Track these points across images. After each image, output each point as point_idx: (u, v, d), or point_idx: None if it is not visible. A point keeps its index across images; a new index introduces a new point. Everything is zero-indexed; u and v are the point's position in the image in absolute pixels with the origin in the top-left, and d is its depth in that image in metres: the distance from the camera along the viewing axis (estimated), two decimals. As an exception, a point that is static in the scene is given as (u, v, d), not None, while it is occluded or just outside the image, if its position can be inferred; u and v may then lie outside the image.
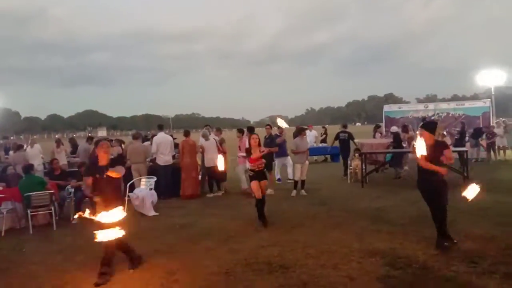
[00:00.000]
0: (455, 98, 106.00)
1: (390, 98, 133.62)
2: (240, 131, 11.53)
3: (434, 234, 6.27)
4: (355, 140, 13.69)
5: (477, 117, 16.86)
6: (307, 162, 10.48)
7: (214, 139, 11.14)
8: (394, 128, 13.38)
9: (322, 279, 4.75)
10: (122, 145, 11.71)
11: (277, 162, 11.65)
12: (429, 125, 6.05)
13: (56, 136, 20.01)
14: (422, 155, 5.46)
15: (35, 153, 12.36)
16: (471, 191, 5.87)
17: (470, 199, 5.82)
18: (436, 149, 5.56)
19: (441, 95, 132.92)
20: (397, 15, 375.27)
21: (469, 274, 4.67)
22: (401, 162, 12.59)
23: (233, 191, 11.01)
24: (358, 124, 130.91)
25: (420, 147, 5.41)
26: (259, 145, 7.86)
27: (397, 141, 12.41)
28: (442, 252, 5.46)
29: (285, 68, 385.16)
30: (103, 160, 5.36)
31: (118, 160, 5.76)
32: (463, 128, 15.43)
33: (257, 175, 7.62)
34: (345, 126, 14.05)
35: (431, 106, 19.19)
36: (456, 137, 15.35)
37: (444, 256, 5.33)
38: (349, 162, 12.65)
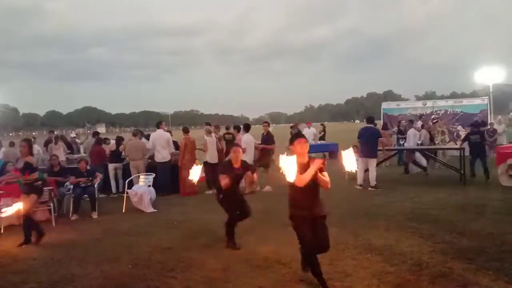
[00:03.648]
0: (453, 95, 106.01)
1: (389, 95, 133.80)
2: (237, 128, 11.58)
3: (430, 230, 6.36)
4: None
5: (475, 115, 16.92)
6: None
7: (215, 136, 11.21)
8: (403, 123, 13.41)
9: (318, 275, 4.79)
10: (122, 142, 11.78)
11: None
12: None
13: (55, 132, 20.03)
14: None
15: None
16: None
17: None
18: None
19: (439, 92, 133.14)
20: (397, 10, 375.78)
21: (463, 270, 4.73)
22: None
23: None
24: (357, 121, 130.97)
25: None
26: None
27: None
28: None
29: (285, 64, 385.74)
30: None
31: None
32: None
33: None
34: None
35: (429, 103, 19.25)
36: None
37: (439, 252, 5.38)
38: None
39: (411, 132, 13.39)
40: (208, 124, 11.99)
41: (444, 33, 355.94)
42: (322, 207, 4.56)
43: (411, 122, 14.65)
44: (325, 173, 4.37)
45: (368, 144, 10.54)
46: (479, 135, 11.69)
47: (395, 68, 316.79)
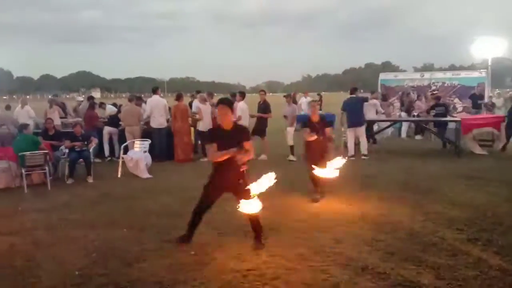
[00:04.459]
0: (452, 67, 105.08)
1: (387, 66, 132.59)
2: (233, 95, 11.51)
3: (421, 201, 6.45)
4: None
5: (472, 88, 16.84)
6: (290, 128, 10.56)
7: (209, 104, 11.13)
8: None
9: (311, 241, 4.88)
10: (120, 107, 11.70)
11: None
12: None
13: (49, 96, 19.81)
14: None
15: (23, 115, 12.23)
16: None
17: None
18: None
19: (438, 64, 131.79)
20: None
21: (454, 240, 4.82)
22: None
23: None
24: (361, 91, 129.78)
25: None
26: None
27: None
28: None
29: (283, 31, 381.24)
30: None
31: None
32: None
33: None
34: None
35: (426, 75, 19.09)
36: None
37: (430, 222, 5.47)
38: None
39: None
40: (199, 91, 12.06)
41: (445, 4, 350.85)
42: None
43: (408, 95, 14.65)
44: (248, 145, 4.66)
45: (353, 113, 10.70)
46: (444, 108, 12.21)
47: (394, 39, 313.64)
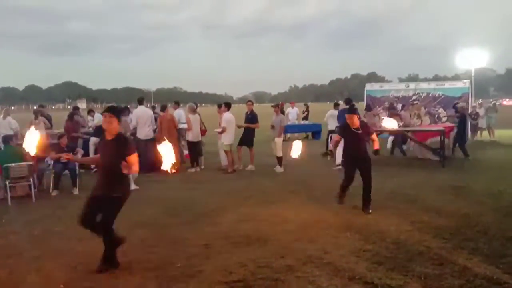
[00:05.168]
0: (436, 78, 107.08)
1: (373, 77, 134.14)
2: (219, 106, 11.55)
3: (408, 210, 6.50)
4: None
5: (456, 98, 17.10)
6: (278, 138, 10.55)
7: (199, 114, 11.15)
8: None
9: (298, 252, 4.87)
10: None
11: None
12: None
13: (34, 107, 19.58)
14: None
15: (5, 126, 12.08)
16: (295, 149, 6.89)
17: (295, 157, 6.94)
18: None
19: (423, 74, 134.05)
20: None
21: (440, 249, 4.85)
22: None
23: (212, 167, 11.05)
24: (340, 102, 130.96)
25: None
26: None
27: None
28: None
29: (270, 42, 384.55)
30: None
31: None
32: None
33: None
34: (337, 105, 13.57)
35: (411, 85, 19.36)
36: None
37: (417, 231, 5.51)
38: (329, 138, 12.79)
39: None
40: (177, 103, 12.53)
41: (429, 16, 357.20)
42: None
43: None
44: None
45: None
46: None
47: (380, 49, 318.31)
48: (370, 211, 6.48)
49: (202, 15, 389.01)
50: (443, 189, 8.04)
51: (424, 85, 19.33)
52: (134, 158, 4.43)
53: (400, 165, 11.15)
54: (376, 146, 6.98)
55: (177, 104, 12.82)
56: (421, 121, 13.65)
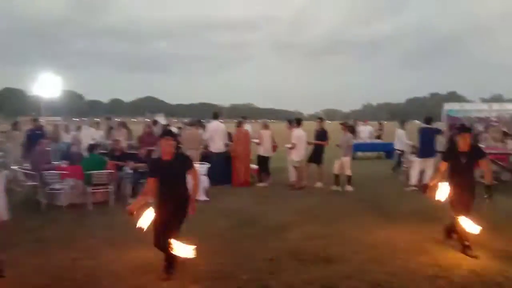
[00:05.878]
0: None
1: (453, 97, 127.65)
2: (290, 122, 11.60)
3: (490, 239, 6.05)
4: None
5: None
6: (346, 158, 10.36)
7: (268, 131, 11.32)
8: None
9: (366, 274, 4.73)
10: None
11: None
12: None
13: (117, 119, 20.88)
14: None
15: (86, 135, 13.18)
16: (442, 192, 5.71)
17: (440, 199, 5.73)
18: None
19: (508, 95, 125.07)
20: (465, 6, 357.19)
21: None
22: None
23: (280, 182, 11.04)
24: (417, 121, 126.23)
25: None
26: None
27: None
28: None
29: (344, 60, 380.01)
30: None
31: None
32: None
33: None
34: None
35: (495, 106, 18.18)
36: None
37: (497, 260, 5.13)
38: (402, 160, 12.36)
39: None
40: (244, 117, 12.45)
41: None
42: None
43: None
44: None
45: (425, 144, 10.38)
46: None
47: (460, 68, 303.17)
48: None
49: (277, 34, 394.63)
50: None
51: (509, 106, 18.08)
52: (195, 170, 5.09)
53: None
54: (488, 178, 5.69)
55: (244, 119, 12.93)
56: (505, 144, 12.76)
